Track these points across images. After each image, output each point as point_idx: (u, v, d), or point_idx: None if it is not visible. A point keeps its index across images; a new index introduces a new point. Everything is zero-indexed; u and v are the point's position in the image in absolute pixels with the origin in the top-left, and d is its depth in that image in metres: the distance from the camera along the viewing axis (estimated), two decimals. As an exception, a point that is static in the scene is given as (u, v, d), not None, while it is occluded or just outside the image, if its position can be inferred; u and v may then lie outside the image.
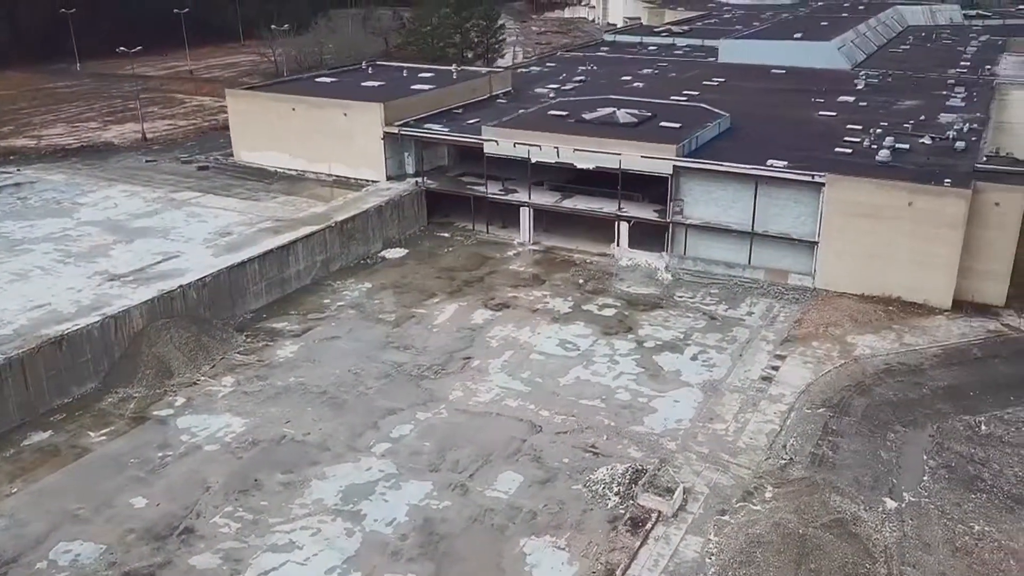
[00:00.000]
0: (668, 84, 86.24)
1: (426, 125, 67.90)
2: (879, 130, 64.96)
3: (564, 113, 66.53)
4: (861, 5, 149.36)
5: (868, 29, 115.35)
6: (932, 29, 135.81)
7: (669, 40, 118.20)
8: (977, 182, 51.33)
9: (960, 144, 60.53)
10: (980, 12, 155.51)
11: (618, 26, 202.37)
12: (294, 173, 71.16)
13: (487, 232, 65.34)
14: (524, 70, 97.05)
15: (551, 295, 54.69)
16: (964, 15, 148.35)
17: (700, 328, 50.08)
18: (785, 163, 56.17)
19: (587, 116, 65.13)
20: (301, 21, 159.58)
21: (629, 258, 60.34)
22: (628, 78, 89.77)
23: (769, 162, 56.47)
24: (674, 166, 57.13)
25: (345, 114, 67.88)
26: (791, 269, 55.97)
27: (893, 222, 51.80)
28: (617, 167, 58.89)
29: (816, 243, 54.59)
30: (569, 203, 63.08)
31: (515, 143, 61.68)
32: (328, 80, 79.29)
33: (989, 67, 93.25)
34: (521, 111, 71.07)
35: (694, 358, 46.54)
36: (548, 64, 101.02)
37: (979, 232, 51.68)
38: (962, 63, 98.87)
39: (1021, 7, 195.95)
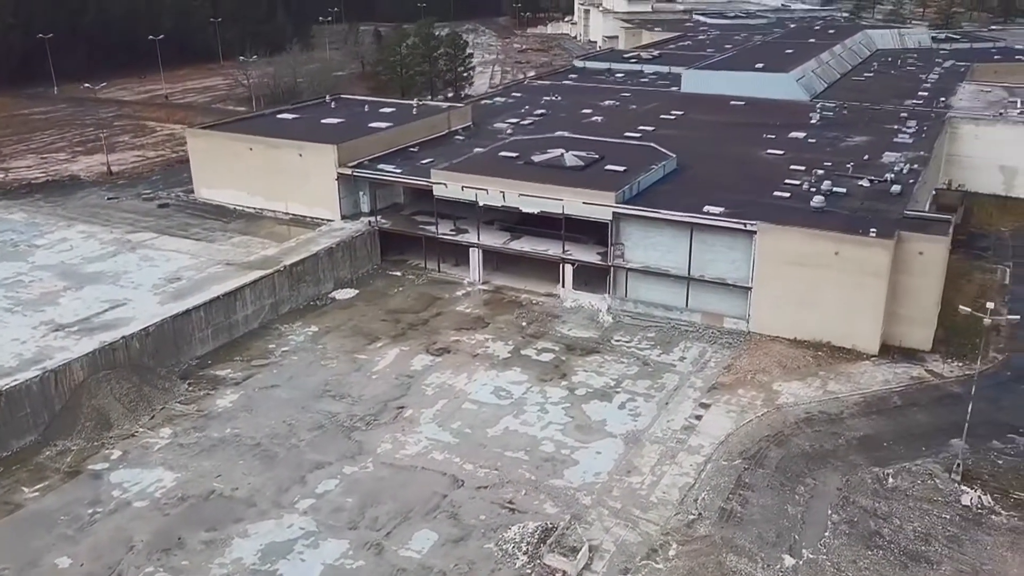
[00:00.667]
0: (626, 118, 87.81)
1: (380, 165, 69.36)
2: (821, 171, 66.54)
3: (515, 155, 68.01)
4: (831, 29, 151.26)
5: (832, 57, 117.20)
6: (900, 53, 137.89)
7: (637, 67, 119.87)
8: (901, 232, 52.91)
9: (896, 188, 62.15)
10: (949, 35, 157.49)
11: (598, 43, 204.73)
12: (252, 211, 72.52)
13: (438, 271, 66.78)
14: (488, 101, 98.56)
15: (493, 338, 56.10)
16: (933, 38, 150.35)
17: (632, 374, 51.52)
18: (722, 209, 57.75)
19: (536, 158, 66.61)
20: (280, 43, 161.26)
21: (573, 299, 61.80)
22: (588, 111, 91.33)
23: (706, 208, 58.04)
24: (613, 212, 58.65)
25: (300, 155, 69.30)
26: (726, 313, 57.49)
27: (821, 270, 53.36)
28: (560, 212, 60.42)
29: (750, 288, 56.14)
30: (518, 244, 64.56)
31: (463, 186, 63.17)
32: (289, 116, 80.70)
33: (943, 99, 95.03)
34: (477, 150, 72.63)
35: (621, 407, 47.96)
36: (514, 94, 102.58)
37: (904, 279, 53.31)
38: (920, 92, 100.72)
39: (994, 27, 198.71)
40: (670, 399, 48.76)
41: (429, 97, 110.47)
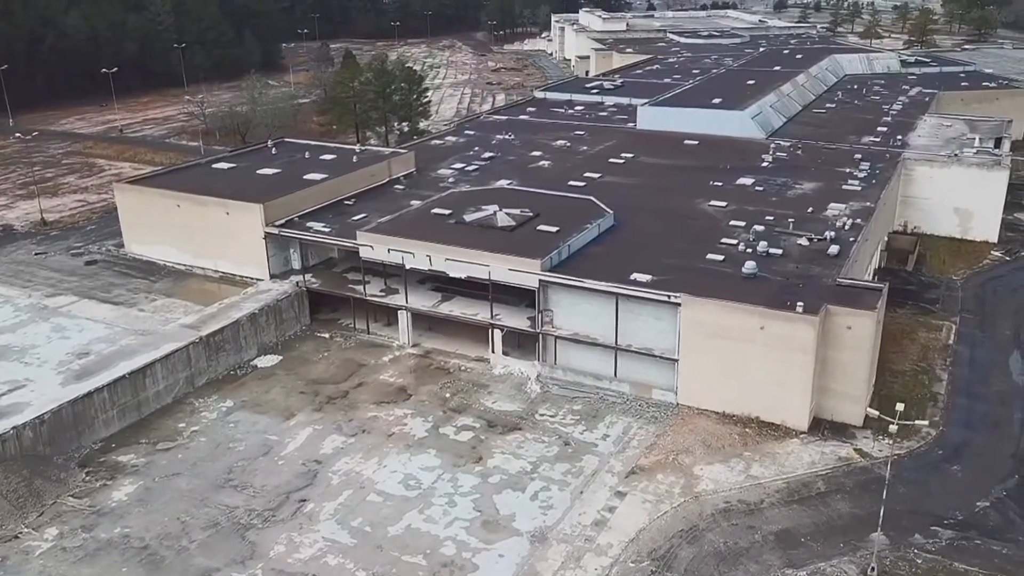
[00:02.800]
0: (574, 162, 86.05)
1: (310, 223, 67.50)
2: (761, 226, 64.91)
3: (447, 212, 66.14)
4: (799, 54, 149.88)
5: (794, 88, 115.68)
6: (867, 79, 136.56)
7: (598, 98, 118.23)
8: (829, 305, 51.15)
9: (833, 249, 60.45)
10: (919, 58, 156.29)
11: (572, 62, 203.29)
12: (183, 268, 70.63)
13: (368, 332, 64.90)
14: (439, 141, 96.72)
15: (413, 413, 54.21)
16: (902, 62, 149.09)
17: (551, 456, 49.66)
18: (649, 278, 56.01)
19: (468, 217, 64.78)
20: (246, 68, 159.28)
21: (504, 366, 59.97)
22: (538, 153, 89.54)
23: (633, 276, 56.29)
24: (539, 280, 56.86)
25: (227, 213, 67.40)
26: (655, 384, 55.71)
27: (747, 344, 51.61)
28: (487, 278, 58.62)
29: (677, 360, 54.38)
30: (449, 306, 62.70)
31: (389, 249, 61.33)
32: (225, 166, 78.70)
33: (900, 137, 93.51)
34: (414, 203, 70.76)
35: (534, 497, 46.07)
36: (467, 132, 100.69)
37: (833, 354, 51.62)
38: (880, 128, 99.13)
39: (967, 47, 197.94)
40: (586, 487, 46.87)
41: (374, 141, 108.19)
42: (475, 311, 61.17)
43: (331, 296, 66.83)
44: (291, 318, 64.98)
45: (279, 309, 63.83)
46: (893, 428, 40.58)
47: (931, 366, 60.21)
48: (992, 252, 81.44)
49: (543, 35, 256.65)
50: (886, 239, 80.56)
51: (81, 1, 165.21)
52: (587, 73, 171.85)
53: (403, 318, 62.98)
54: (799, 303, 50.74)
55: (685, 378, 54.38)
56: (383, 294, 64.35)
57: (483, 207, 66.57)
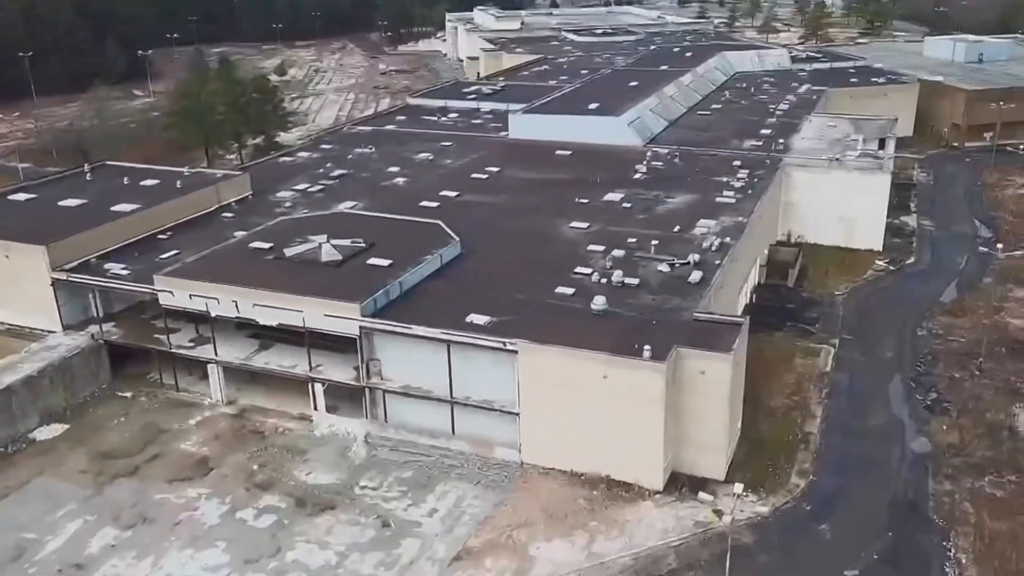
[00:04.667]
0: (432, 179, 78.50)
1: (108, 265, 58.32)
2: (621, 251, 58.71)
3: (267, 246, 57.74)
4: (690, 52, 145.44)
5: (678, 89, 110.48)
6: (757, 76, 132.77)
7: (474, 104, 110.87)
8: (680, 348, 44.86)
9: (695, 276, 54.36)
10: (810, 54, 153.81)
11: (464, 63, 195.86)
12: (-35, 318, 60.62)
13: (177, 390, 56.26)
14: (289, 159, 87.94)
15: (209, 494, 45.96)
16: (793, 58, 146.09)
17: (363, 543, 42.10)
18: (488, 319, 48.96)
19: (289, 251, 56.60)
20: (110, 78, 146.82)
21: (328, 425, 52.17)
22: (396, 169, 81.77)
23: (469, 318, 49.14)
24: (360, 326, 49.20)
25: (7, 256, 57.78)
26: (497, 441, 48.68)
27: (592, 394, 44.98)
28: (302, 325, 50.70)
29: (518, 414, 47.45)
30: (266, 356, 54.51)
31: (191, 295, 52.80)
32: (23, 197, 68.54)
33: (782, 141, 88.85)
34: (238, 234, 62.11)
35: (333, 601, 38.56)
36: (323, 146, 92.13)
37: (688, 401, 45.42)
38: (763, 131, 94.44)
39: (860, 41, 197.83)
40: (398, 583, 39.57)
41: (231, 157, 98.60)
42: (295, 361, 53.18)
43: (137, 348, 57.93)
44: (86, 376, 55.89)
45: (69, 367, 54.69)
46: (726, 519, 34.45)
47: (806, 399, 54.77)
48: (876, 262, 77.15)
49: (438, 35, 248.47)
50: (766, 252, 75.44)
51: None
52: (478, 75, 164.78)
53: (214, 372, 54.57)
54: (646, 347, 44.22)
55: (528, 434, 47.53)
56: (192, 344, 55.77)
57: (310, 238, 58.44)
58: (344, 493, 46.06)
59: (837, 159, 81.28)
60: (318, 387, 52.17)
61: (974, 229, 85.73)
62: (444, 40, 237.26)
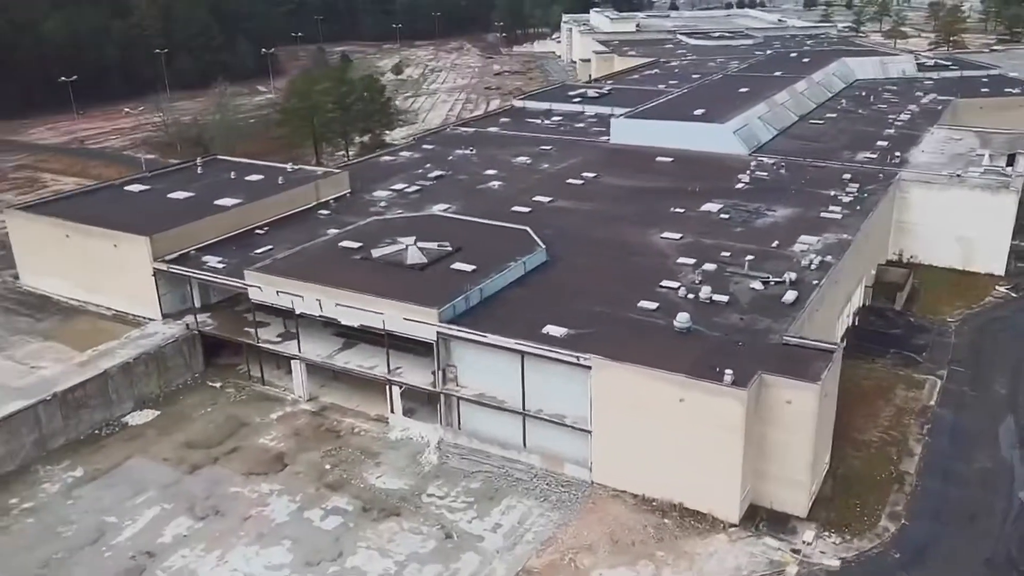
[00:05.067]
0: (528, 183, 77.79)
1: (207, 256, 60.32)
2: (712, 265, 56.47)
3: (356, 245, 58.38)
4: (807, 58, 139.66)
5: (791, 96, 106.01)
6: (879, 84, 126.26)
7: (579, 107, 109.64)
8: (765, 375, 42.47)
9: (790, 296, 51.63)
10: (938, 61, 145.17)
11: (577, 65, 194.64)
12: (76, 304, 63.80)
13: (263, 383, 57.55)
14: (390, 158, 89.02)
15: (280, 491, 46.58)
16: (919, 65, 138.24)
17: (424, 555, 41.68)
18: (565, 331, 47.84)
19: (376, 252, 57.03)
20: (239, 75, 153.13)
21: (403, 428, 52.20)
22: (493, 172, 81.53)
23: (547, 328, 48.16)
24: (437, 331, 48.94)
25: (115, 245, 60.48)
26: (568, 458, 47.46)
27: (667, 417, 43.20)
28: (382, 327, 50.88)
29: (590, 432, 46.12)
30: (347, 355, 55.02)
31: (277, 291, 53.84)
32: (137, 189, 71.77)
33: (899, 154, 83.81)
34: (331, 231, 63.12)
35: (388, 613, 38.29)
36: (425, 146, 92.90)
37: (772, 432, 42.94)
38: (880, 142, 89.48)
39: (996, 48, 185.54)
40: (453, 599, 38.99)
41: (340, 155, 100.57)
42: (376, 362, 53.45)
43: (228, 340, 59.60)
44: (179, 365, 57.84)
45: (163, 356, 56.71)
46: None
47: (904, 435, 51.13)
48: (997, 287, 71.65)
49: (553, 36, 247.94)
50: (874, 272, 71.20)
51: (64, 6, 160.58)
52: (589, 77, 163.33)
53: (297, 368, 55.51)
54: (728, 371, 42.10)
55: (600, 453, 46.11)
56: (280, 339, 56.91)
57: (398, 240, 58.73)
58: (410, 500, 45.84)
59: (958, 175, 75.98)
60: (395, 389, 52.25)
61: (1113, 257, 78.63)
62: (559, 41, 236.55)
